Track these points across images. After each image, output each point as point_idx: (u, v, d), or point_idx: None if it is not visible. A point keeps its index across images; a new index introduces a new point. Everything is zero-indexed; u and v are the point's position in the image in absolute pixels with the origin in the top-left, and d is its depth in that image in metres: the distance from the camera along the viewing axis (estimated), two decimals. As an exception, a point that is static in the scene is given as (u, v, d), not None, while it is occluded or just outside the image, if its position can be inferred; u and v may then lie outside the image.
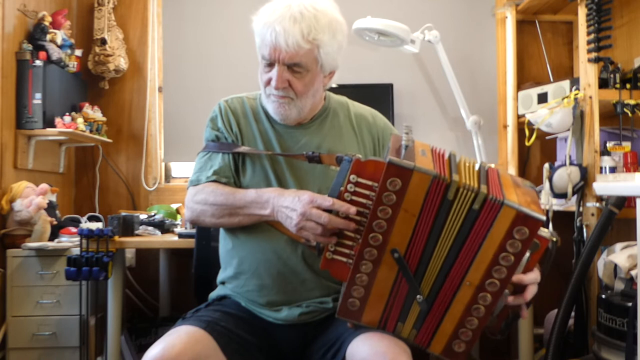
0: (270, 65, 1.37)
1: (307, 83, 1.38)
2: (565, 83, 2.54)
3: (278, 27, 1.31)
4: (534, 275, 1.14)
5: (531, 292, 1.14)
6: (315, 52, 1.35)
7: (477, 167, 1.11)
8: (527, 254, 1.09)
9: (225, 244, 1.48)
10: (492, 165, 1.17)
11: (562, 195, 2.30)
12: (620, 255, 2.03)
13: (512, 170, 2.94)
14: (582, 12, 2.32)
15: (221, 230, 1.50)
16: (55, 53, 2.60)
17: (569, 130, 2.34)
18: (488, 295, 1.09)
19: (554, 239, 1.11)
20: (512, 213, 1.03)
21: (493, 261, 1.07)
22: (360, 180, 1.11)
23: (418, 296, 1.12)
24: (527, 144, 2.50)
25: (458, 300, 1.11)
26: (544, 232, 1.09)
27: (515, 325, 2.60)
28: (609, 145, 2.35)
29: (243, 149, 1.43)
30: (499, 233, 1.05)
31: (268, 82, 1.39)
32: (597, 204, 2.22)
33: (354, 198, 1.13)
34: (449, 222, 1.07)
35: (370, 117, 1.54)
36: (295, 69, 1.36)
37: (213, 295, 1.51)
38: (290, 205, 1.24)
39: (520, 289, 1.14)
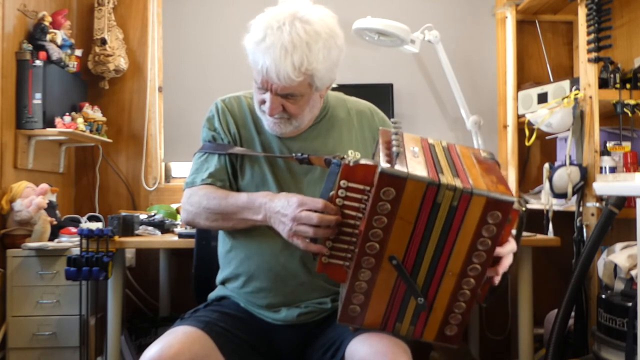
0: (263, 89, 1.33)
1: (301, 105, 1.35)
2: (565, 83, 2.53)
3: (268, 59, 1.26)
4: (510, 247, 1.15)
5: (507, 262, 1.16)
6: (309, 80, 1.30)
7: (443, 150, 1.11)
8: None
9: (224, 245, 1.48)
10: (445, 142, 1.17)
11: (562, 195, 2.30)
12: (620, 255, 2.03)
13: (512, 170, 2.94)
14: (582, 12, 2.32)
15: (220, 231, 1.50)
16: (55, 53, 2.60)
17: (569, 130, 2.34)
18: (471, 280, 1.10)
19: (523, 209, 1.11)
20: (482, 201, 1.03)
21: (471, 248, 1.07)
22: (350, 184, 1.11)
23: (419, 298, 1.12)
24: (527, 144, 2.50)
25: (444, 289, 1.11)
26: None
27: (514, 323, 2.60)
28: (609, 145, 2.34)
29: (238, 150, 1.42)
30: (473, 221, 1.04)
31: (262, 102, 1.36)
32: (597, 204, 2.22)
33: (347, 203, 1.12)
34: (437, 222, 1.07)
35: (369, 112, 1.53)
36: (289, 97, 1.33)
37: (212, 295, 1.51)
38: (281, 210, 1.23)
39: (497, 259, 1.15)
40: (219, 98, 1.51)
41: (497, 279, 1.16)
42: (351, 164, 1.10)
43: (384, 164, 1.03)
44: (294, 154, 1.36)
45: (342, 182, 1.11)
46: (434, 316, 1.14)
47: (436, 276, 1.11)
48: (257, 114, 1.44)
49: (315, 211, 1.15)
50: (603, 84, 2.30)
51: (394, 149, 1.06)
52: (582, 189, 2.29)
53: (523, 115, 2.76)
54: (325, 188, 1.16)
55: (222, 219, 1.36)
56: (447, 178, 1.04)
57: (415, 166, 1.04)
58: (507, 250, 1.14)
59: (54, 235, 2.49)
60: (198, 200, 1.38)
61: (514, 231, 1.17)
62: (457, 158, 1.11)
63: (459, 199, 1.04)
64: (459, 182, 1.04)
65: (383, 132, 1.14)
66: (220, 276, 1.50)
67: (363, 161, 1.10)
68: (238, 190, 1.42)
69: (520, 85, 2.96)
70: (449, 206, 1.05)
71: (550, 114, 2.35)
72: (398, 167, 1.03)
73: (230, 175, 1.43)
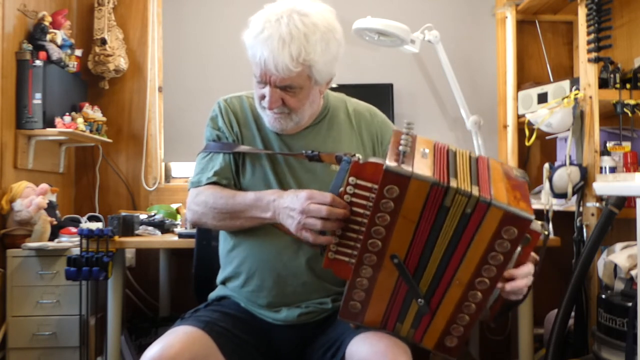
0: (263, 83, 1.34)
1: (301, 99, 1.35)
2: (565, 83, 2.54)
3: (266, 50, 1.27)
4: (527, 269, 1.13)
5: (520, 284, 1.13)
6: (307, 71, 1.31)
7: (470, 160, 1.10)
8: (519, 248, 1.09)
9: (225, 243, 1.48)
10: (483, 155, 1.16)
11: (562, 195, 2.30)
12: (620, 255, 2.03)
13: (512, 170, 2.93)
14: (582, 12, 2.32)
15: (222, 230, 1.50)
16: (55, 53, 2.60)
17: (569, 130, 2.34)
18: (478, 293, 1.09)
19: (546, 233, 1.10)
20: (499, 213, 1.02)
21: (482, 260, 1.06)
22: (359, 182, 1.11)
23: (419, 300, 1.12)
24: (527, 144, 2.50)
25: (449, 298, 1.11)
26: (536, 225, 1.07)
27: (514, 323, 2.60)
28: (609, 145, 2.34)
29: (243, 148, 1.43)
30: (487, 233, 1.04)
31: (262, 97, 1.37)
32: (597, 204, 2.22)
33: (354, 200, 1.12)
34: (446, 226, 1.06)
35: (368, 114, 1.53)
36: (288, 89, 1.33)
37: (212, 295, 1.51)
38: (290, 204, 1.23)
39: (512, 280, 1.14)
40: (220, 98, 1.51)
41: (513, 297, 1.15)
42: (361, 161, 1.10)
43: (389, 162, 1.03)
44: (304, 151, 1.36)
45: (350, 179, 1.11)
46: (436, 324, 1.14)
47: (443, 282, 1.10)
48: (257, 113, 1.44)
49: (323, 204, 1.15)
50: (603, 84, 2.30)
51: (401, 147, 1.06)
52: (582, 189, 2.29)
53: (523, 115, 2.76)
54: (335, 184, 1.16)
55: (229, 218, 1.36)
56: (461, 183, 1.03)
57: (422, 167, 1.04)
58: (523, 272, 1.12)
59: (54, 235, 2.49)
60: (205, 200, 1.38)
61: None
62: (484, 169, 1.10)
63: (474, 207, 1.03)
64: (477, 190, 1.03)
65: (395, 132, 1.15)
66: (221, 275, 1.50)
67: (373, 159, 1.11)
68: (240, 188, 1.42)
69: (520, 85, 2.96)
70: (461, 212, 1.04)
71: (550, 114, 2.35)
72: (404, 166, 1.03)
73: (234, 174, 1.43)
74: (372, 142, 1.49)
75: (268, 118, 1.39)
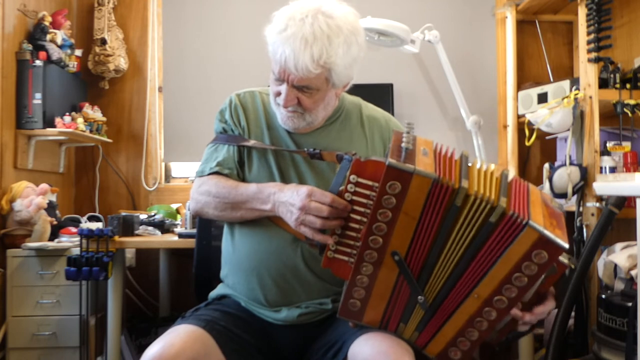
0: (280, 80, 1.34)
1: (317, 100, 1.35)
2: (565, 83, 2.54)
3: (288, 49, 1.26)
4: (550, 306, 1.13)
5: (540, 317, 1.14)
6: (326, 74, 1.31)
7: (498, 175, 1.08)
8: (542, 277, 1.07)
9: (227, 240, 1.48)
10: (512, 174, 1.14)
11: (562, 195, 2.30)
12: (620, 255, 2.03)
13: (512, 170, 2.94)
14: (582, 12, 2.32)
15: (225, 227, 1.50)
16: (55, 53, 2.60)
17: (569, 130, 2.34)
18: (494, 311, 1.09)
19: (572, 266, 1.09)
20: (534, 235, 1.01)
21: (505, 279, 1.05)
22: (360, 180, 1.11)
23: (419, 297, 1.12)
24: (527, 144, 2.50)
25: (463, 310, 1.10)
26: (564, 257, 1.07)
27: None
28: (609, 145, 2.35)
29: (250, 142, 1.43)
30: (517, 253, 1.02)
31: (277, 94, 1.37)
32: (597, 204, 2.22)
33: (354, 198, 1.12)
34: (459, 230, 1.05)
35: (384, 120, 1.52)
36: (305, 90, 1.33)
37: (213, 294, 1.51)
38: (289, 200, 1.24)
39: (529, 308, 1.13)
40: (234, 92, 1.52)
41: (522, 328, 1.15)
42: (362, 159, 1.10)
43: (391, 158, 1.03)
44: (305, 149, 1.36)
45: (352, 177, 1.11)
46: (444, 333, 1.14)
47: (458, 291, 1.10)
48: (269, 110, 1.45)
49: (323, 203, 1.15)
50: (603, 84, 2.31)
51: (404, 145, 1.07)
52: (582, 189, 2.29)
53: (523, 115, 2.76)
54: (335, 183, 1.16)
55: (230, 208, 1.37)
56: (482, 188, 1.03)
57: (423, 164, 1.04)
58: (546, 309, 1.13)
59: (54, 235, 2.49)
60: (207, 189, 1.39)
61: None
62: (521, 190, 1.09)
63: (499, 218, 1.02)
64: (505, 201, 1.02)
65: (396, 133, 1.15)
66: (222, 272, 1.51)
67: (374, 158, 1.11)
68: (244, 182, 1.43)
69: (520, 85, 2.96)
70: (482, 219, 1.03)
71: (550, 114, 2.35)
72: (406, 162, 1.03)
73: (237, 165, 1.44)
74: (384, 147, 1.49)
75: (281, 115, 1.39)
